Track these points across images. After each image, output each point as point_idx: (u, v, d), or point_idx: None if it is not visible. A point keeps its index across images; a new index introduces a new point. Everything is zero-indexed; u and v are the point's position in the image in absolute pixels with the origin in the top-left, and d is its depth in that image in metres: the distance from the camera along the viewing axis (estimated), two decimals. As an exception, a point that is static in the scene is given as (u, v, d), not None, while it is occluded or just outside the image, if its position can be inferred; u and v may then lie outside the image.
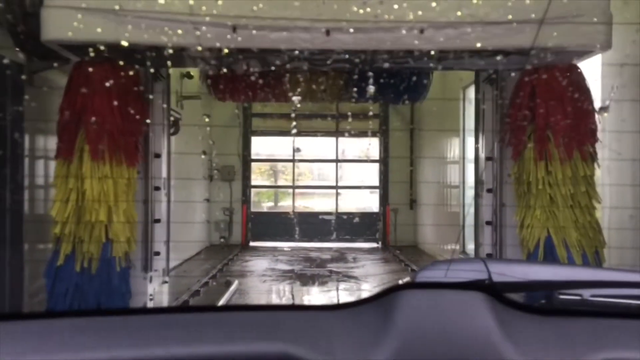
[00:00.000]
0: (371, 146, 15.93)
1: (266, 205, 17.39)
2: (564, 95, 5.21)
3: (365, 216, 15.87)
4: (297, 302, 9.31)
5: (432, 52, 5.34)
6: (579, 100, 5.21)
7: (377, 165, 15.97)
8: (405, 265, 12.24)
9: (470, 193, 8.37)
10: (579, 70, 5.37)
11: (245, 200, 15.86)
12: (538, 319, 1.15)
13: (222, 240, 15.04)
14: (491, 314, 1.08)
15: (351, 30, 5.17)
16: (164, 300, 6.86)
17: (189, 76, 10.60)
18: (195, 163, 12.98)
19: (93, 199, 5.18)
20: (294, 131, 15.12)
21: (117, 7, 5.01)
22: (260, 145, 16.39)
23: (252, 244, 15.49)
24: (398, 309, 1.09)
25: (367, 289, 10.13)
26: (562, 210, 5.22)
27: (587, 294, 1.60)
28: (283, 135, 15.41)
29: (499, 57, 5.43)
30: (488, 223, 6.33)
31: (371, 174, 16.19)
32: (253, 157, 16.08)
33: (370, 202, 16.50)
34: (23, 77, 6.00)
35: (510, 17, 5.05)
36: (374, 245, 15.52)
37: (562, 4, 5.04)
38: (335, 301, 9.39)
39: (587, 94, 5.31)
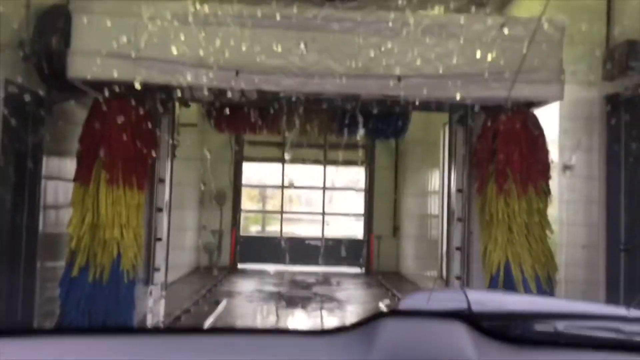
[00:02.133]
0: (357, 175, 16.80)
1: (255, 230, 18.13)
2: (520, 139, 6.10)
3: (350, 242, 16.66)
4: (282, 321, 10.03)
5: (408, 98, 6.23)
6: (533, 143, 6.11)
7: (362, 193, 16.84)
8: (387, 289, 13.01)
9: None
10: (534, 116, 6.27)
11: (235, 224, 16.59)
12: (515, 349, 1.19)
13: (212, 262, 15.72)
14: (470, 343, 1.12)
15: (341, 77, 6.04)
16: (161, 312, 7.57)
17: (187, 105, 11.42)
18: (188, 187, 13.76)
19: (107, 218, 5.95)
20: (285, 158, 15.94)
21: (133, 54, 5.84)
22: (251, 172, 17.21)
23: (240, 266, 16.18)
24: (380, 337, 1.12)
25: (350, 310, 10.89)
26: (518, 238, 6.07)
27: (562, 325, 1.64)
28: (273, 162, 16.25)
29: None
30: (458, 249, 7.17)
31: (357, 202, 17.04)
32: (244, 182, 16.87)
33: (355, 230, 17.31)
34: (43, 108, 6.80)
35: (475, 71, 5.95)
36: (358, 270, 16.28)
37: (520, 59, 5.95)
38: (319, 321, 10.13)
39: (541, 137, 6.21)
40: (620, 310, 2.09)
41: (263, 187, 17.80)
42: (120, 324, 6.11)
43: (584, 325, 1.68)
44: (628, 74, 5.45)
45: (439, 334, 1.14)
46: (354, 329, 1.18)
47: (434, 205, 12.85)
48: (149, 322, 6.91)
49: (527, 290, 5.94)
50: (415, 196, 14.51)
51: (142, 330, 2.51)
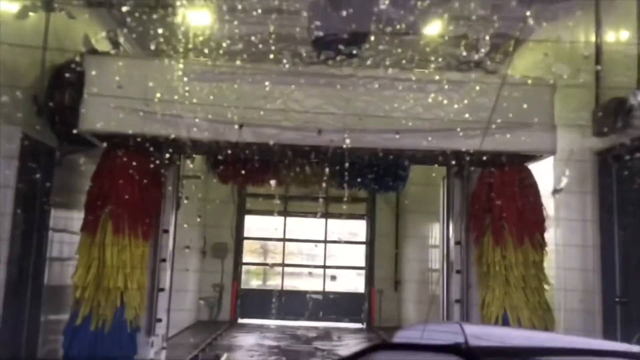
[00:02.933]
0: (358, 228, 16.95)
1: (256, 283, 18.15)
2: (515, 193, 6.33)
3: (352, 296, 16.68)
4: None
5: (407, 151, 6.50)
6: (528, 196, 6.33)
7: (363, 246, 16.95)
8: (388, 344, 12.97)
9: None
10: (529, 170, 6.51)
11: (236, 277, 16.65)
12: None
13: (212, 317, 15.72)
14: None
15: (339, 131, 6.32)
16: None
17: (191, 158, 11.73)
18: (190, 240, 13.90)
19: (112, 268, 6.12)
20: (287, 211, 16.14)
21: (141, 109, 6.15)
22: (253, 224, 17.37)
23: (240, 320, 16.15)
24: None
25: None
26: (515, 290, 6.21)
27: None
28: (275, 215, 16.44)
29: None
30: (457, 301, 7.28)
31: (358, 256, 17.13)
32: (245, 235, 17.01)
33: (356, 283, 17.33)
34: (53, 160, 7.07)
35: (470, 126, 6.23)
36: (359, 325, 16.22)
37: (514, 116, 6.24)
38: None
39: (535, 191, 6.43)
40: (621, 346, 2.09)
41: (265, 240, 17.89)
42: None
43: None
44: (616, 132, 5.71)
45: None
46: None
47: (435, 259, 12.95)
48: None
49: (525, 342, 6.02)
50: (417, 250, 14.62)
51: None
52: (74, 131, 6.47)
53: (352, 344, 13.34)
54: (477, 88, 6.24)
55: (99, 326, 6.14)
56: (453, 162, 6.97)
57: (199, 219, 14.15)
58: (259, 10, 5.51)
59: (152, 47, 6.95)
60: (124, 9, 7.33)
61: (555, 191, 7.05)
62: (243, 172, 8.12)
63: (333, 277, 17.06)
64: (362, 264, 17.06)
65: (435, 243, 12.73)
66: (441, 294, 11.43)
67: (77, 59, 6.95)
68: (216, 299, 16.26)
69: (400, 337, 1.97)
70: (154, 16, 7.00)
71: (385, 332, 14.60)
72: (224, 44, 6.58)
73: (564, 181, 6.95)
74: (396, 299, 16.29)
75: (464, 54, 6.28)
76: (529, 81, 6.29)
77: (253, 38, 6.08)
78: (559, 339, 2.30)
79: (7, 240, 5.77)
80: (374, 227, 16.94)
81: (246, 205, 16.84)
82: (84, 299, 6.14)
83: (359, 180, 7.67)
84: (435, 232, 12.80)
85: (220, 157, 7.88)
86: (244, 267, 17.40)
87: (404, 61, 6.09)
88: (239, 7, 6.15)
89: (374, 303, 16.44)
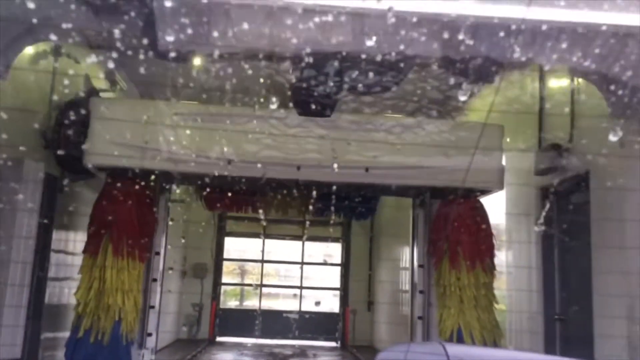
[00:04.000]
0: (333, 251, 17.87)
1: (234, 303, 18.91)
2: (469, 222, 7.32)
3: (327, 316, 17.53)
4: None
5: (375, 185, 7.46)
6: (480, 225, 7.33)
7: (338, 268, 17.86)
8: (361, 362, 13.86)
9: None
10: (480, 203, 7.52)
11: (215, 296, 17.40)
12: None
13: (191, 335, 16.43)
14: None
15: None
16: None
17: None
18: (170, 261, 14.66)
19: (112, 286, 6.96)
20: (265, 233, 16.99)
21: (140, 146, 7.03)
22: (232, 246, 18.18)
23: (218, 339, 16.88)
24: None
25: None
26: (468, 309, 7.18)
27: None
28: (254, 237, 17.30)
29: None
30: (419, 318, 8.23)
31: (333, 277, 18.03)
32: (225, 256, 17.81)
33: (331, 303, 18.20)
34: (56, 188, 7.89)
35: (430, 164, 7.22)
36: (334, 344, 17.07)
37: (467, 156, 7.23)
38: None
39: (486, 220, 7.44)
40: None
41: (244, 261, 18.70)
42: (117, 382, 6.99)
43: None
44: (551, 172, 6.75)
45: None
46: None
47: (405, 281, 13.89)
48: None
49: (476, 354, 6.97)
50: (389, 272, 15.56)
51: None
52: (77, 162, 7.34)
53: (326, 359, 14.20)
54: (435, 130, 7.24)
55: (99, 338, 6.95)
56: (416, 195, 7.95)
57: (183, 241, 14.94)
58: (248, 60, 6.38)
59: (146, 87, 7.85)
60: (122, 51, 8.22)
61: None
62: (227, 199, 9.00)
63: (317, 303, 17.91)
64: (338, 285, 17.95)
65: (405, 266, 13.71)
66: (410, 315, 12.41)
67: (79, 97, 7.85)
68: (195, 318, 16.98)
69: (382, 357, 1.93)
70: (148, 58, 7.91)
71: (358, 350, 15.47)
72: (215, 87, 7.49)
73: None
74: (369, 318, 17.18)
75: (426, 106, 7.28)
76: (481, 125, 7.31)
77: (241, 83, 6.99)
78: (539, 359, 2.22)
79: (31, 263, 6.59)
80: (349, 250, 17.87)
81: (226, 227, 17.67)
82: (86, 314, 6.96)
83: (332, 209, 8.61)
84: (405, 256, 13.79)
85: (207, 187, 8.77)
86: (222, 288, 18.17)
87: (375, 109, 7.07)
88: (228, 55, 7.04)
89: (348, 322, 17.30)
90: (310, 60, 4.87)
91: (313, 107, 6.15)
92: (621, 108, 4.96)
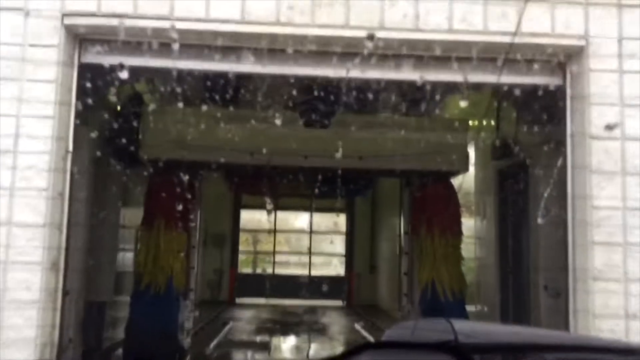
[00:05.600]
0: (340, 221, 20.20)
1: (250, 269, 21.35)
2: (441, 198, 9.52)
3: (334, 279, 19.94)
4: (277, 338, 13.19)
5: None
6: (450, 200, 9.53)
7: (344, 236, 20.22)
8: (362, 316, 16.25)
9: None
10: (451, 183, 9.72)
11: (233, 263, 19.81)
12: None
13: (213, 297, 18.87)
14: None
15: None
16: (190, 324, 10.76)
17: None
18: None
19: (164, 251, 9.24)
20: (278, 206, 19.25)
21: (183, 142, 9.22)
22: (248, 218, 20.53)
23: (237, 300, 19.33)
24: None
25: (332, 329, 14.10)
26: (440, 265, 9.42)
27: (551, 357, 1.72)
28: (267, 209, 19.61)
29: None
30: (405, 274, 10.52)
31: (339, 244, 20.42)
32: (241, 227, 20.16)
33: (337, 268, 20.61)
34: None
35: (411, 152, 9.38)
36: (340, 303, 19.50)
37: (440, 145, 9.38)
38: (307, 337, 13.31)
39: (455, 197, 9.64)
40: (611, 342, 2.17)
41: (258, 232, 21.07)
42: (170, 325, 9.31)
43: (572, 357, 1.72)
44: (504, 158, 8.93)
45: None
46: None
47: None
48: (186, 327, 10.11)
49: (445, 298, 9.26)
50: (388, 239, 17.85)
51: None
52: (131, 156, 9.55)
53: (333, 316, 16.61)
54: (414, 126, 9.39)
55: (156, 291, 9.26)
56: (401, 177, 10.14)
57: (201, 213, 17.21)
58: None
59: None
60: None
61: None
62: (249, 182, 11.25)
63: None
64: (343, 251, 20.33)
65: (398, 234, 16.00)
66: (405, 279, 14.70)
67: (128, 100, 10.01)
68: (217, 282, 19.42)
69: (389, 335, 2.00)
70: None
71: (362, 308, 17.86)
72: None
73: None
74: (372, 281, 19.57)
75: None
76: (451, 121, 9.46)
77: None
78: (547, 335, 2.35)
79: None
80: (353, 220, 20.19)
81: (242, 201, 19.97)
82: (146, 272, 9.25)
83: (337, 189, 10.87)
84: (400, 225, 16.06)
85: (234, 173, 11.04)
86: (241, 256, 20.59)
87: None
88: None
89: (353, 284, 19.72)
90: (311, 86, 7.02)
91: (314, 118, 8.33)
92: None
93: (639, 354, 1.80)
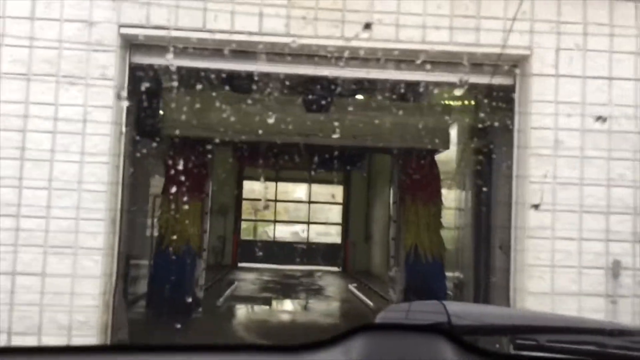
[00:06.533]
0: (336, 191, 21.75)
1: (251, 236, 22.96)
2: (425, 172, 11.02)
3: (330, 246, 21.56)
4: (279, 297, 14.81)
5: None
6: (433, 174, 11.03)
7: (340, 206, 21.77)
8: (356, 279, 17.89)
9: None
10: (433, 159, 11.20)
11: (236, 231, 21.39)
12: None
13: (218, 261, 20.49)
14: (451, 357, 1.17)
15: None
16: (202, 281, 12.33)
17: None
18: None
19: (182, 216, 10.76)
20: (279, 177, 20.74)
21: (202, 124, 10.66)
22: (250, 188, 22.06)
23: (240, 264, 20.96)
24: (358, 351, 1.17)
25: (328, 290, 15.73)
26: (422, 231, 10.96)
27: (544, 339, 1.70)
28: (268, 180, 21.14)
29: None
30: (393, 239, 12.08)
31: (335, 214, 21.99)
32: (244, 197, 21.69)
33: (334, 236, 22.22)
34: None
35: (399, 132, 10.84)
36: (336, 269, 21.14)
37: (425, 126, 10.84)
38: (305, 295, 14.93)
39: (437, 171, 11.13)
40: (602, 324, 2.30)
41: (259, 200, 22.62)
42: (188, 281, 10.87)
43: (565, 339, 1.74)
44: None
45: (419, 347, 1.17)
46: (331, 344, 1.21)
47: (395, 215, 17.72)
48: (200, 283, 11.68)
49: (426, 260, 10.81)
50: (381, 209, 19.39)
51: (111, 348, 2.64)
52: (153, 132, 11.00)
53: (329, 279, 18.25)
54: (402, 110, 10.83)
55: (176, 251, 10.79)
56: (391, 153, 11.63)
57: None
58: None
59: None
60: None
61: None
62: (256, 157, 12.75)
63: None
64: (339, 220, 21.90)
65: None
66: (392, 246, 16.25)
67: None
68: (220, 248, 21.02)
69: (382, 317, 2.01)
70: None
71: (356, 273, 19.50)
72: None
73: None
74: (367, 248, 21.18)
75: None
76: (433, 106, 10.90)
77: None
78: (541, 317, 2.40)
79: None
80: (349, 191, 21.72)
81: (244, 172, 21.46)
82: (167, 234, 10.78)
83: (335, 163, 12.38)
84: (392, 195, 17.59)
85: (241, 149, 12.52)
86: (243, 223, 22.16)
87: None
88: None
89: (348, 252, 21.35)
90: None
91: (315, 107, 9.80)
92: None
93: (631, 334, 1.85)
